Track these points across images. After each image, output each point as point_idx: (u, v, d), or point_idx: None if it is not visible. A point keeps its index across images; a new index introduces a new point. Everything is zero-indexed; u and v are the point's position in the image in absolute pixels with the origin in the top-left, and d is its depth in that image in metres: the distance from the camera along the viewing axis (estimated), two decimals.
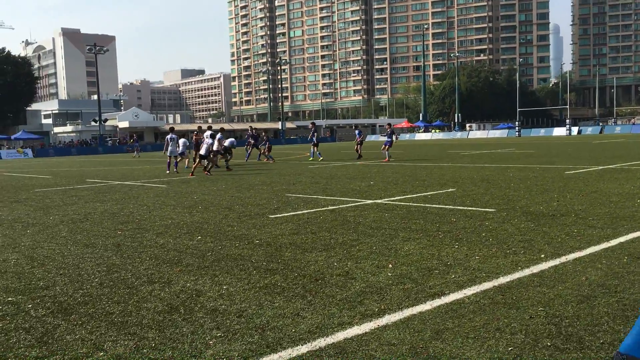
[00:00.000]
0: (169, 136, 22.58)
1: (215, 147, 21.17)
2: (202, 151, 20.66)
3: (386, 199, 11.45)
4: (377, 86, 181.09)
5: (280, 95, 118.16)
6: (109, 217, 10.14)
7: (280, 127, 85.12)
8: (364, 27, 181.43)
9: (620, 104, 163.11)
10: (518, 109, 75.21)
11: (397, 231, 7.85)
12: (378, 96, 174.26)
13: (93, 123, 69.17)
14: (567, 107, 73.74)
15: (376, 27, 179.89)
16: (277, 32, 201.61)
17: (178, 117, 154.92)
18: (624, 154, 23.99)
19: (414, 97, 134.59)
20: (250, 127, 36.35)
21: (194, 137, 26.11)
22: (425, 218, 8.90)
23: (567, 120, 65.99)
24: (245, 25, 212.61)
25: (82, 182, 19.00)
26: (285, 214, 9.83)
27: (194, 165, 20.72)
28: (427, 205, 10.42)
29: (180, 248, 7.16)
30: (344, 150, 42.97)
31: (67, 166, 33.12)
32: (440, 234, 7.52)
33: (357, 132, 30.78)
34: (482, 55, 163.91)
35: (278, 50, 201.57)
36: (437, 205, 10.28)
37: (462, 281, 5.23)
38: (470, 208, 9.83)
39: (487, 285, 5.10)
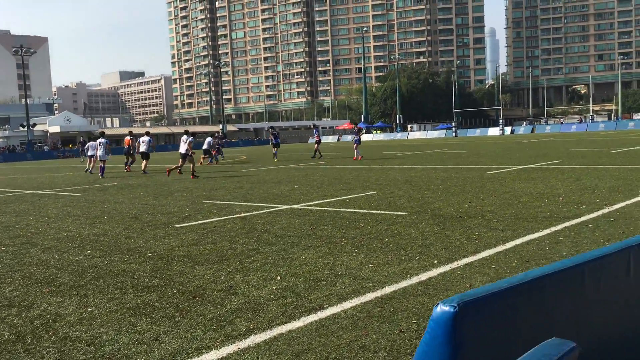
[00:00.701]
0: (98, 140, 23.18)
1: (183, 150, 21.11)
2: (182, 150, 21.01)
3: (303, 204, 11.21)
4: (321, 88, 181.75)
5: (221, 97, 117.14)
6: (1, 231, 9.45)
7: (220, 130, 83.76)
8: (306, 29, 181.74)
9: (553, 104, 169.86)
10: (454, 110, 77.01)
11: (300, 239, 7.59)
12: (321, 98, 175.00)
13: (21, 128, 66.06)
14: (500, 107, 75.91)
15: (318, 29, 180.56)
16: (219, 33, 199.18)
17: (117, 120, 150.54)
18: (547, 153, 24.72)
19: (357, 98, 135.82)
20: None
21: (127, 141, 26.56)
22: (334, 224, 8.69)
23: (500, 121, 68.00)
24: (185, 26, 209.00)
25: None
26: (193, 223, 9.42)
27: (175, 167, 21.23)
28: (342, 209, 10.23)
29: (62, 265, 6.65)
30: (284, 152, 42.62)
31: None
32: (343, 241, 7.31)
33: (315, 130, 30.94)
34: (421, 57, 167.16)
35: (220, 52, 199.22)
36: (351, 210, 10.11)
37: (346, 293, 5.01)
38: (383, 212, 9.71)
39: (370, 296, 4.90)
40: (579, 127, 66.92)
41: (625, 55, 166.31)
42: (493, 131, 68.92)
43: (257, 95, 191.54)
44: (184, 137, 21.29)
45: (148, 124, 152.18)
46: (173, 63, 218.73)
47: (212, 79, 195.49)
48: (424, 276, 5.46)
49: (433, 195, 11.59)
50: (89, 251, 7.39)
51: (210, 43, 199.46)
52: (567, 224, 7.83)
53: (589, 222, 7.85)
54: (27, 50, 61.89)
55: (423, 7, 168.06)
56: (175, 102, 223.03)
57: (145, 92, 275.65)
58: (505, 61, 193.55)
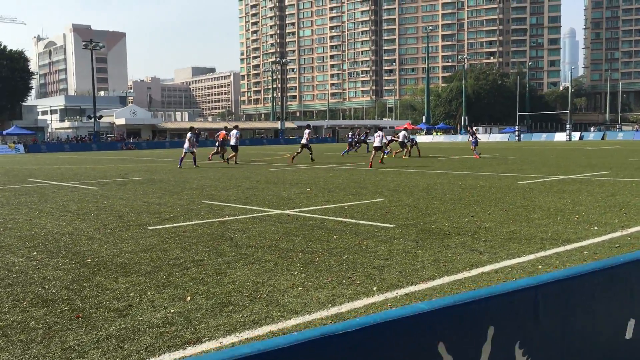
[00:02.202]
0: (188, 134, 24.42)
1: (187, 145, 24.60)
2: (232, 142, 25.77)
3: (299, 209, 10.59)
4: (386, 87, 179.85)
5: (286, 95, 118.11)
6: None
7: (279, 127, 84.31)
8: (373, 27, 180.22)
9: (632, 110, 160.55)
10: (518, 113, 73.97)
11: (255, 251, 6.98)
12: (386, 97, 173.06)
13: (89, 119, 68.83)
14: (568, 111, 72.03)
15: (385, 28, 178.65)
16: (287, 31, 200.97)
17: (186, 114, 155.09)
18: (600, 162, 22.87)
19: (421, 99, 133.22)
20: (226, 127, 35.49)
21: (221, 134, 27.35)
22: (308, 234, 8.02)
23: (568, 126, 64.49)
24: (255, 24, 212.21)
25: (21, 182, 18.31)
26: (169, 225, 9.00)
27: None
28: (331, 217, 9.53)
29: None
30: (327, 152, 42.06)
31: (40, 163, 32.59)
32: (299, 256, 6.64)
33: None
34: (491, 57, 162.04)
35: (287, 49, 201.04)
36: (340, 219, 9.39)
37: (241, 323, 4.36)
38: (371, 223, 8.94)
39: (263, 330, 4.23)
40: None
41: None
42: (560, 136, 65.54)
43: (322, 93, 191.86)
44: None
45: (210, 119, 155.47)
46: (242, 60, 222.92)
47: (279, 76, 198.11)
48: (346, 307, 4.73)
49: (440, 206, 10.67)
50: (34, 253, 7.08)
51: (278, 41, 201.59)
52: (561, 248, 6.82)
53: (588, 248, 6.81)
54: (95, 45, 64.25)
55: (495, 6, 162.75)
56: (242, 98, 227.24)
57: (215, 87, 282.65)
58: (583, 63, 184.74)
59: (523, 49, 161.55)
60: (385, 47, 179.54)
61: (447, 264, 6.15)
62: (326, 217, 9.60)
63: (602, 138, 64.54)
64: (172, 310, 4.71)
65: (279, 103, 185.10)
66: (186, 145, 24.44)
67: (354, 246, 7.16)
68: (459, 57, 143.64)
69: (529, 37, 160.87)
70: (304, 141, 28.19)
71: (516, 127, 71.50)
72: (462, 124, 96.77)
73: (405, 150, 30.46)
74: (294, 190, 14.17)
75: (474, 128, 34.25)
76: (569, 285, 1.88)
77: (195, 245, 7.41)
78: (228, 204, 11.58)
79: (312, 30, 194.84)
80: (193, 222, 9.27)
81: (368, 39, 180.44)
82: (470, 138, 30.67)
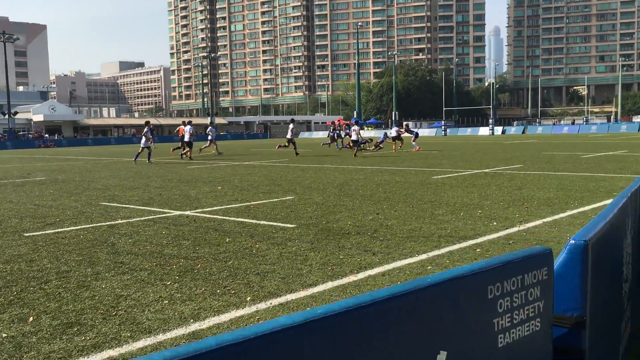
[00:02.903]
0: (145, 129, 24.89)
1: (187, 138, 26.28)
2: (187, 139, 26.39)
3: (201, 210, 10.02)
4: (318, 83, 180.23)
5: (218, 90, 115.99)
6: None
7: (209, 123, 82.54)
8: (305, 23, 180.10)
9: (552, 105, 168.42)
10: (444, 108, 75.70)
11: (137, 257, 6.39)
12: (319, 93, 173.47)
13: (1, 116, 64.88)
14: (491, 106, 74.44)
15: (317, 23, 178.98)
16: (218, 25, 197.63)
17: (113, 110, 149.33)
18: (516, 156, 23.45)
19: (353, 94, 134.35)
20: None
21: (180, 129, 27.79)
22: (200, 238, 7.49)
23: (490, 120, 66.63)
24: (185, 17, 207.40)
25: None
26: (49, 231, 8.22)
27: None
28: (231, 218, 9.03)
29: None
30: (257, 148, 41.38)
31: None
32: (180, 263, 6.11)
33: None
34: (420, 54, 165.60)
35: (219, 44, 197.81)
36: (242, 219, 8.91)
37: (78, 349, 3.81)
38: (272, 223, 8.50)
39: (100, 356, 3.70)
40: (571, 129, 65.55)
41: (626, 57, 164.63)
42: (484, 131, 67.61)
43: (255, 88, 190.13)
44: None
45: (136, 114, 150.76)
46: (172, 54, 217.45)
47: (210, 71, 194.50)
48: (209, 322, 4.27)
49: (349, 203, 10.38)
50: None
51: (209, 35, 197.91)
52: (456, 246, 6.62)
53: (482, 245, 6.64)
54: (9, 37, 60.60)
55: (423, 3, 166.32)
56: (173, 94, 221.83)
57: (144, 82, 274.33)
58: (506, 60, 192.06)
59: (450, 46, 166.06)
60: (318, 43, 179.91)
61: (335, 267, 5.79)
62: (227, 218, 9.09)
63: (523, 132, 67.10)
64: (4, 335, 4.08)
65: (211, 99, 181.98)
66: (143, 140, 24.66)
67: (244, 250, 6.71)
68: (389, 53, 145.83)
69: (456, 34, 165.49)
70: (288, 136, 28.48)
71: (443, 122, 73.13)
72: (393, 119, 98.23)
73: (398, 144, 31.62)
74: (205, 189, 13.56)
75: (405, 124, 35.90)
76: (350, 318, 1.49)
77: (69, 253, 6.72)
78: (127, 206, 10.84)
79: (243, 24, 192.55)
80: (78, 227, 8.53)
81: (300, 34, 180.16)
82: (393, 133, 31.96)
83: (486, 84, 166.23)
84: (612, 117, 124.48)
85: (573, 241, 2.24)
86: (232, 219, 9.02)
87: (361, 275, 5.48)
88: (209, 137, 32.30)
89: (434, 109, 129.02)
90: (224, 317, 4.38)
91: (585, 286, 2.22)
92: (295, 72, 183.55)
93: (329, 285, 5.18)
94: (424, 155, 25.52)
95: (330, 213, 9.36)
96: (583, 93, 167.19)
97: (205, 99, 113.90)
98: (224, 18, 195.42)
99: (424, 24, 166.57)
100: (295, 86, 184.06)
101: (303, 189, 12.94)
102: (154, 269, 5.87)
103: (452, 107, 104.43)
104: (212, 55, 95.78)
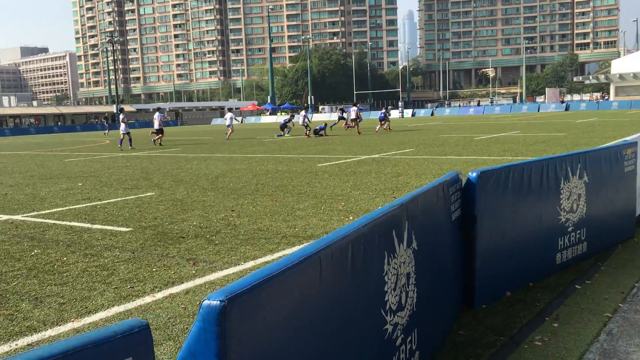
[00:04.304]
0: (121, 116, 25.80)
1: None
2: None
3: (37, 213, 8.78)
4: (233, 68, 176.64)
5: (129, 76, 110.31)
6: None
7: (115, 111, 78.63)
8: (217, 6, 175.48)
9: (462, 87, 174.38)
10: (355, 92, 76.01)
11: None
12: (234, 78, 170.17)
13: None
14: (399, 89, 75.56)
15: (230, 6, 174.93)
16: (126, 8, 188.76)
17: (14, 99, 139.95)
18: (412, 140, 23.33)
19: (268, 79, 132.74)
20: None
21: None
22: (6, 250, 6.35)
23: (400, 103, 67.50)
24: (90, 0, 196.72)
25: None
26: None
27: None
28: (66, 222, 7.89)
29: None
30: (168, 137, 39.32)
31: None
32: None
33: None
34: (335, 38, 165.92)
35: (128, 28, 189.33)
36: (75, 223, 7.80)
37: None
38: (106, 227, 7.47)
39: None
40: (477, 110, 67.57)
41: (530, 39, 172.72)
42: (394, 113, 68.32)
43: (168, 74, 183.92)
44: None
45: (35, 103, 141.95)
46: (77, 39, 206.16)
47: (119, 57, 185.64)
48: None
49: (211, 198, 9.48)
50: None
51: (116, 19, 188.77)
52: (287, 250, 5.88)
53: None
54: None
55: None
56: (80, 81, 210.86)
57: (48, 69, 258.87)
58: (418, 44, 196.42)
59: (364, 30, 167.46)
60: (231, 27, 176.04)
61: (138, 284, 4.89)
62: (58, 223, 7.94)
63: (432, 114, 68.49)
64: None
65: (121, 85, 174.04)
66: (122, 127, 25.38)
67: (45, 265, 5.66)
68: (304, 37, 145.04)
69: (369, 18, 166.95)
70: (156, 126, 27.67)
71: (351, 106, 73.25)
72: (309, 103, 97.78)
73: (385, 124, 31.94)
74: (63, 185, 12.20)
75: (358, 105, 35.45)
76: None
77: None
78: None
79: (153, 8, 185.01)
80: None
81: (213, 17, 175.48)
82: (352, 115, 32.22)
83: (400, 67, 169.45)
84: (517, 98, 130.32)
85: (207, 301, 1.47)
86: (64, 223, 7.89)
87: (160, 295, 4.62)
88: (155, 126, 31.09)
89: (350, 93, 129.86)
90: None
91: None
92: (209, 57, 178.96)
93: (113, 311, 4.28)
94: (323, 141, 24.97)
95: (182, 211, 8.43)
96: (491, 75, 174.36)
97: (113, 86, 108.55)
98: (132, 1, 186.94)
99: (338, 8, 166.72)
100: (209, 71, 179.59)
101: (172, 183, 11.89)
102: None
103: (366, 91, 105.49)
104: (117, 39, 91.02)
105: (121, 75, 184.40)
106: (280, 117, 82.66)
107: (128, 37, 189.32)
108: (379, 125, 31.80)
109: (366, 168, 13.18)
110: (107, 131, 47.79)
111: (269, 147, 22.32)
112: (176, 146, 25.96)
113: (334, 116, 75.24)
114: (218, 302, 1.44)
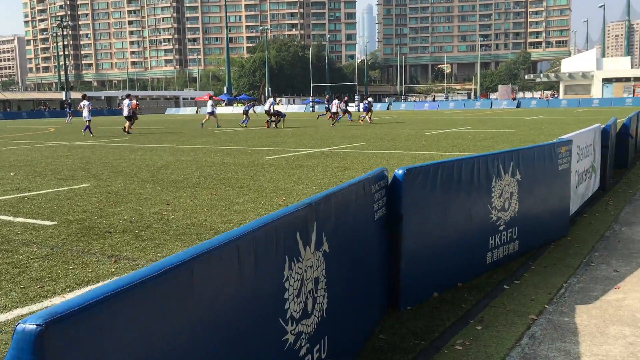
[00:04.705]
0: (82, 103, 26.59)
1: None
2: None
3: None
4: (190, 57, 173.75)
5: (81, 62, 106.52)
6: None
7: (64, 98, 76.13)
8: None
9: (419, 82, 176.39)
10: (312, 84, 75.84)
11: None
12: (191, 67, 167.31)
13: None
14: (356, 83, 75.81)
15: None
16: None
17: None
18: (363, 133, 23.31)
19: (225, 69, 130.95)
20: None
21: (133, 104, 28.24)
22: None
23: (356, 97, 67.63)
24: None
25: None
26: None
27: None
28: None
29: None
30: (101, 125, 38.27)
31: None
32: None
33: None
34: (293, 29, 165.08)
35: (80, 12, 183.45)
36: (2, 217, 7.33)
37: None
38: (29, 221, 7.05)
39: None
40: (431, 106, 68.37)
41: (485, 37, 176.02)
42: (351, 107, 68.43)
43: (122, 61, 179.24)
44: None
45: None
46: (26, 22, 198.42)
47: (71, 42, 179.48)
48: None
49: (148, 191, 9.12)
50: None
51: (68, 3, 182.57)
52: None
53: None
54: None
55: None
56: (29, 66, 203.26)
57: None
58: (377, 38, 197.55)
59: (322, 22, 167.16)
60: (188, 15, 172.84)
61: (48, 284, 4.57)
62: None
63: (388, 108, 68.94)
64: None
65: (72, 72, 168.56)
66: (85, 113, 25.81)
67: None
68: (262, 28, 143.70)
69: (328, 10, 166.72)
70: (125, 113, 27.04)
71: (310, 98, 73.25)
72: (266, 95, 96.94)
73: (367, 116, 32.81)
74: None
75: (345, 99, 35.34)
76: None
77: None
78: None
79: None
80: None
81: (169, 5, 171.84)
82: (333, 108, 32.69)
83: (358, 61, 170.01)
84: (472, 94, 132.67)
85: (22, 325, 1.23)
86: None
87: (71, 294, 4.31)
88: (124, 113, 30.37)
89: (307, 85, 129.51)
90: None
91: None
92: (164, 45, 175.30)
93: (15, 313, 3.96)
94: (276, 134, 24.68)
95: (115, 204, 8.05)
96: (447, 71, 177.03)
97: (63, 72, 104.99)
98: None
99: None
100: (165, 60, 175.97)
101: (110, 174, 11.43)
102: None
103: (323, 83, 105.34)
104: (67, 24, 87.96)
105: (72, 62, 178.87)
106: (237, 108, 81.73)
107: (80, 22, 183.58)
108: (365, 115, 32.82)
109: (314, 162, 13.01)
110: (69, 118, 46.23)
111: (219, 139, 21.89)
112: (124, 136, 25.21)
113: (292, 108, 74.90)
114: (35, 326, 1.21)
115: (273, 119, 29.64)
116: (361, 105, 34.77)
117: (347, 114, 34.77)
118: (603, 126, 8.61)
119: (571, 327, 3.58)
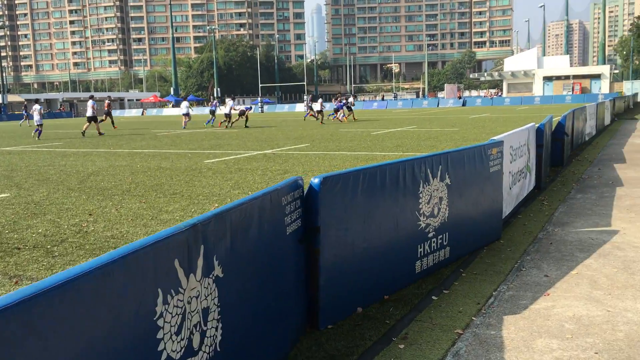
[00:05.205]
0: (34, 107, 26.37)
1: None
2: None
3: None
4: (135, 57, 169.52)
5: (20, 64, 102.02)
6: None
7: (1, 101, 72.94)
8: None
9: (368, 81, 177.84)
10: (260, 85, 75.25)
11: None
12: (136, 68, 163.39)
13: None
14: (305, 83, 75.64)
15: None
16: None
17: None
18: (310, 134, 23.08)
19: (171, 69, 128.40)
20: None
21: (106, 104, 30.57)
22: None
23: (305, 97, 67.44)
24: None
25: None
26: None
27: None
28: None
29: None
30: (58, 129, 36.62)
31: None
32: None
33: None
34: (242, 29, 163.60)
35: (17, 12, 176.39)
36: None
37: None
38: None
39: None
40: (380, 105, 68.83)
41: (431, 37, 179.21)
42: (300, 107, 68.22)
43: (63, 62, 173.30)
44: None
45: None
46: None
47: (9, 43, 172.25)
48: None
49: (71, 200, 8.56)
50: None
51: (5, 2, 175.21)
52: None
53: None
54: None
55: None
56: None
57: None
58: (326, 38, 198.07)
59: (271, 22, 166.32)
60: (133, 14, 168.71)
61: None
62: None
63: None
64: None
65: (10, 73, 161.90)
66: (37, 117, 25.32)
67: None
68: (210, 27, 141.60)
69: (276, 10, 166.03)
70: (89, 114, 25.79)
71: (259, 99, 72.60)
72: (215, 95, 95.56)
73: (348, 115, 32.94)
74: None
75: (320, 100, 34.41)
76: None
77: None
78: None
79: None
80: None
81: (112, 4, 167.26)
82: (317, 107, 32.96)
83: (307, 60, 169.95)
84: (420, 93, 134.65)
85: None
86: None
87: None
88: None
89: (257, 85, 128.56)
90: None
91: None
92: (108, 46, 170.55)
93: None
94: (219, 136, 24.14)
95: (32, 216, 7.49)
96: (395, 70, 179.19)
97: (6, 74, 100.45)
98: None
99: None
100: (109, 60, 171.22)
101: (34, 182, 10.75)
102: None
103: (273, 84, 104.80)
104: (2, 24, 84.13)
105: (11, 63, 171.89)
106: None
107: (18, 22, 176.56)
108: (349, 114, 33.13)
109: (254, 165, 12.65)
110: (25, 121, 44.11)
111: (160, 142, 21.20)
112: (60, 139, 24.13)
113: (226, 110, 74.14)
114: None
115: (234, 120, 30.21)
116: (334, 104, 34.47)
117: (350, 111, 33.59)
118: (537, 125, 8.61)
119: (497, 342, 3.39)
